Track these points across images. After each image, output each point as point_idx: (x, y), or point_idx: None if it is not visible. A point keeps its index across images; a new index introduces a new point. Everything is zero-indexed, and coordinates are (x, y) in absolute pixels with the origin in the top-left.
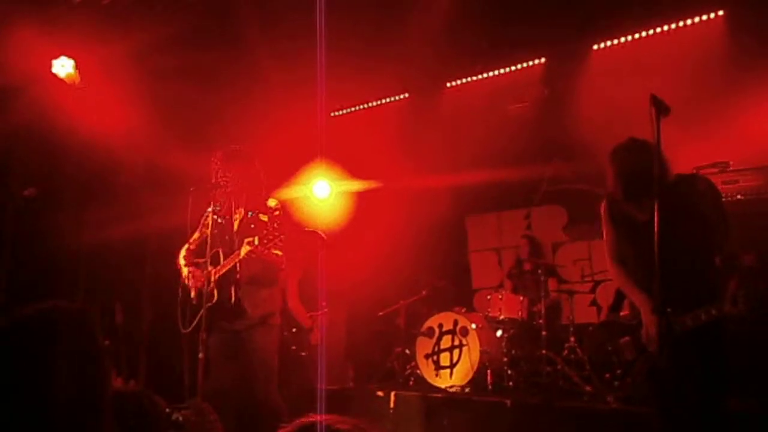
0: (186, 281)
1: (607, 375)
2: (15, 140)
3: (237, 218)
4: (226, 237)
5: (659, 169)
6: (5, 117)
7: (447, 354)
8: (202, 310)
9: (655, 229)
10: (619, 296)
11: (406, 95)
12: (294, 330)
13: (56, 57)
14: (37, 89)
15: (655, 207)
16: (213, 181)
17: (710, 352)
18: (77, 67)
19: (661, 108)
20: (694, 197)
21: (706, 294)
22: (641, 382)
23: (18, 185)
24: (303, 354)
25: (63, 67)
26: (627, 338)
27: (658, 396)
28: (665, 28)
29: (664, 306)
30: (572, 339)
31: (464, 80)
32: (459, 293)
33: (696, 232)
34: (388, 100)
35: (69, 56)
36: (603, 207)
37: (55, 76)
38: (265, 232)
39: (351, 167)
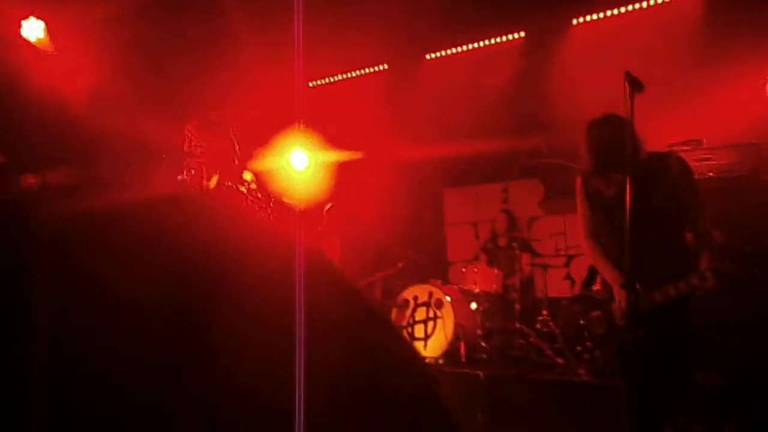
0: None
1: (579, 348)
2: None
3: (209, 188)
4: None
5: (631, 145)
6: None
7: (421, 326)
8: None
9: (627, 205)
10: (592, 271)
11: (385, 66)
12: None
13: (26, 18)
14: (6, 52)
15: (627, 183)
16: (185, 149)
17: (677, 327)
18: (48, 30)
19: (635, 85)
20: (667, 175)
21: (675, 270)
22: (611, 355)
23: None
24: None
25: (33, 30)
26: (598, 312)
27: (626, 370)
28: (644, 4)
29: (632, 282)
30: (545, 312)
31: (444, 53)
32: (435, 266)
33: (667, 209)
34: (367, 70)
35: (39, 18)
36: (578, 183)
37: (24, 39)
38: (246, 203)
39: (329, 138)
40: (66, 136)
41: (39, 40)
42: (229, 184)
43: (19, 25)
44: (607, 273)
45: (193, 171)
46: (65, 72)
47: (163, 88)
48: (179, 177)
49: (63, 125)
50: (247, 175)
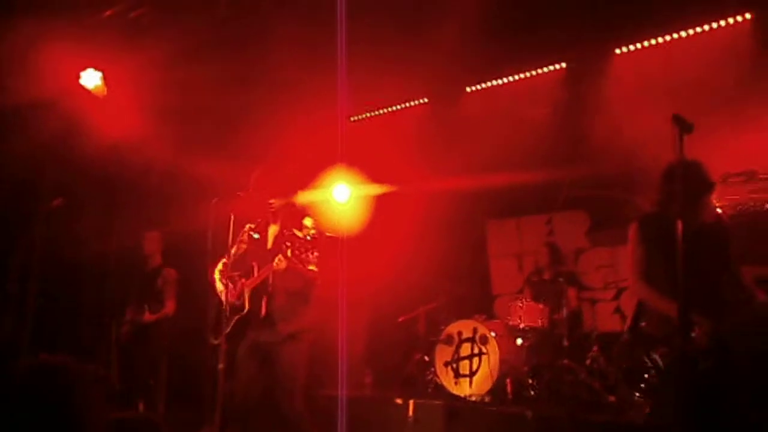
0: (221, 296)
1: (637, 394)
2: (45, 151)
3: (272, 234)
4: (261, 252)
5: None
6: (36, 129)
7: (466, 362)
8: (231, 322)
9: (685, 251)
10: (638, 315)
11: (426, 100)
12: None
13: (84, 69)
14: (66, 101)
15: (679, 228)
16: (252, 196)
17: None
18: (104, 78)
19: (683, 127)
20: (720, 224)
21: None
22: (669, 398)
23: (48, 195)
24: None
25: (91, 79)
26: (664, 348)
27: (684, 408)
28: (690, 32)
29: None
30: (595, 348)
31: (484, 85)
32: (479, 299)
33: (719, 258)
34: (407, 104)
35: (97, 68)
36: (633, 228)
37: (83, 87)
38: (297, 245)
39: (371, 172)
40: (122, 176)
41: (96, 87)
42: (289, 231)
43: (78, 77)
44: (668, 307)
45: (259, 220)
46: (121, 115)
47: (213, 129)
48: (247, 228)
49: (119, 166)
50: (308, 221)
